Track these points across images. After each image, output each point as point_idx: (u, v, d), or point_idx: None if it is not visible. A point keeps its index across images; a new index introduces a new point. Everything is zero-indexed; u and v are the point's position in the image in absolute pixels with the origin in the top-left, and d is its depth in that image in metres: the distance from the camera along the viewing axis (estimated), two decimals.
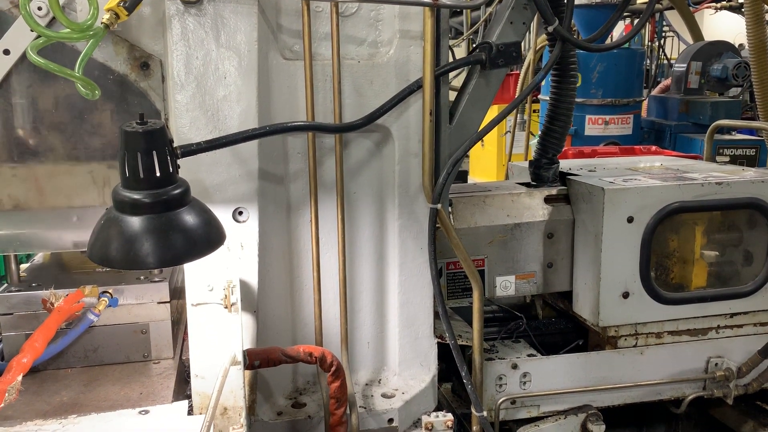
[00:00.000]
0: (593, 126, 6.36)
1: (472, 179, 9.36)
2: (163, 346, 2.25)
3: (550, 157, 2.77)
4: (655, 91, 7.52)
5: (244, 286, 1.96)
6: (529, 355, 2.58)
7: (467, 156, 10.09)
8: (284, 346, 2.03)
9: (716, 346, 2.67)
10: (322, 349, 1.88)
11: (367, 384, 2.26)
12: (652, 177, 2.62)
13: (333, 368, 1.85)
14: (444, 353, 2.34)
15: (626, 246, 2.47)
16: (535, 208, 2.67)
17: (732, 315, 2.65)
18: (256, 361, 1.81)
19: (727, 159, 5.61)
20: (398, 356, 2.27)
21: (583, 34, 6.61)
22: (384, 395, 2.20)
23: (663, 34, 15.51)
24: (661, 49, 14.84)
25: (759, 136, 5.90)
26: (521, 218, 2.64)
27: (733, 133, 5.93)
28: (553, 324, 2.95)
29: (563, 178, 2.73)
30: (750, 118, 7.19)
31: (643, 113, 7.18)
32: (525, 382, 2.53)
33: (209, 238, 1.57)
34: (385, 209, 2.20)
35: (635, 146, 4.84)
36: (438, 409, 2.34)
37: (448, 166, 2.09)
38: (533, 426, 2.52)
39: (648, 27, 15.37)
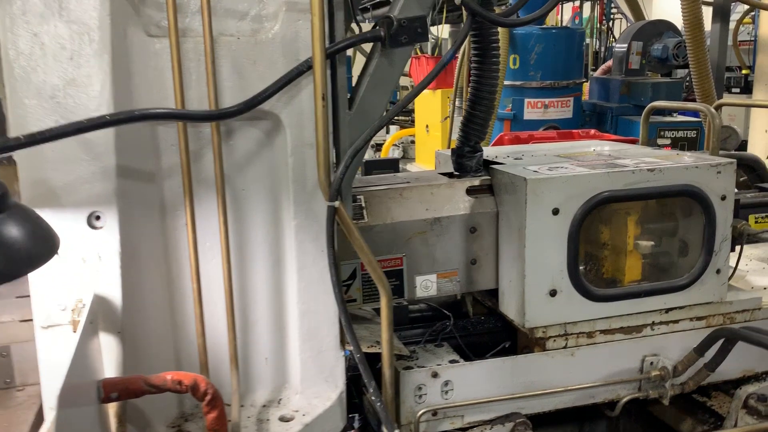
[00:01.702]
0: (532, 110, 6.16)
1: (418, 166, 9.17)
2: (28, 369, 1.95)
3: (472, 145, 2.54)
4: (597, 73, 7.40)
5: (105, 303, 1.68)
6: (451, 362, 2.36)
7: (412, 142, 9.88)
8: (165, 369, 1.76)
9: (651, 343, 2.50)
10: (193, 375, 1.62)
11: (264, 405, 2.01)
12: (580, 164, 2.41)
13: (208, 397, 1.59)
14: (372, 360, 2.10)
15: (552, 240, 2.26)
16: (456, 200, 2.44)
17: (667, 310, 2.48)
18: (113, 393, 1.54)
19: (668, 142, 5.52)
20: (300, 372, 2.02)
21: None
22: (282, 418, 1.94)
23: (611, 16, 15.59)
24: (609, 32, 14.89)
25: (700, 118, 5.82)
26: (441, 212, 2.41)
27: (675, 114, 5.82)
28: (482, 323, 2.74)
29: (488, 166, 2.51)
30: (692, 99, 7.14)
31: (586, 96, 7.04)
32: (447, 391, 2.31)
33: (31, 252, 1.28)
34: (280, 207, 1.94)
35: (574, 130, 4.67)
36: (365, 422, 2.11)
37: (347, 157, 1.84)
38: None
39: (597, 9, 15.43)
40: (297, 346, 2.01)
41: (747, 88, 12.17)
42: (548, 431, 2.62)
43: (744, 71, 12.57)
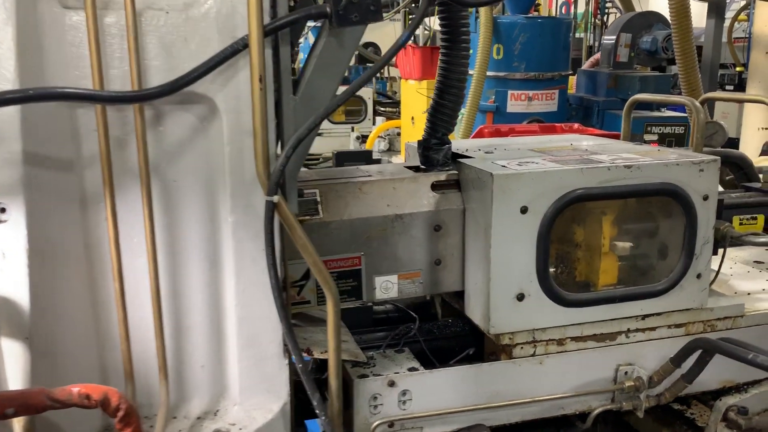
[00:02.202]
0: (516, 102, 5.95)
1: (401, 159, 8.98)
2: None
3: (439, 137, 2.37)
4: (585, 66, 7.21)
5: (9, 306, 1.50)
6: (410, 369, 2.19)
7: (398, 134, 9.69)
8: (89, 379, 1.60)
9: (626, 352, 2.34)
10: (104, 388, 1.44)
11: (199, 417, 1.83)
12: (553, 160, 2.25)
13: (120, 413, 1.42)
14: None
15: (520, 240, 2.10)
16: (419, 196, 2.27)
17: (644, 317, 2.33)
18: (9, 408, 1.36)
19: (655, 137, 5.35)
20: (239, 382, 1.85)
21: (509, 7, 6.20)
22: None
23: (606, 10, 15.42)
24: (604, 26, 14.74)
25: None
26: (403, 208, 2.24)
27: (663, 109, 5.65)
28: (448, 327, 2.58)
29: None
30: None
31: (573, 89, 6.85)
32: (405, 402, 2.15)
33: None
34: (216, 202, 1.76)
35: (557, 124, 4.49)
36: None
37: (288, 147, 1.67)
38: None
39: (591, 3, 15.25)
40: (236, 353, 1.84)
41: (741, 86, 12.04)
42: None
43: (738, 68, 12.43)
